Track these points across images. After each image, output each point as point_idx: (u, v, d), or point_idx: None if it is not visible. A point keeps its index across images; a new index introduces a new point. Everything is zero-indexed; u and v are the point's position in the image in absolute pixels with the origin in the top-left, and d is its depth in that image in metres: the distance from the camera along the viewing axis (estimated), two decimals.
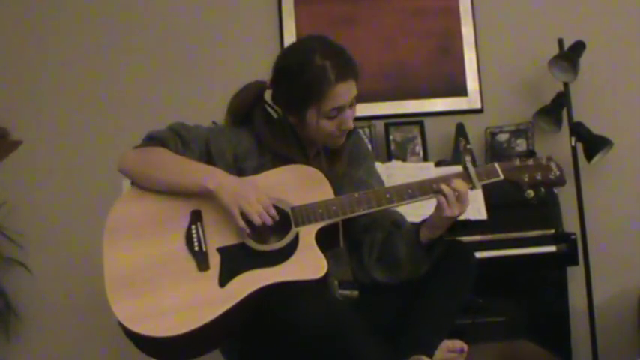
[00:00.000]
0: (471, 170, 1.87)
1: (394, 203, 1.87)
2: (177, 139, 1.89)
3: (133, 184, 1.91)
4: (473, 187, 1.87)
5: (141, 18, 3.38)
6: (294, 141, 1.97)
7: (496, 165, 1.90)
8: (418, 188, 1.87)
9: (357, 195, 1.85)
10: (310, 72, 1.86)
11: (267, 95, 2.02)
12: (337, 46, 1.93)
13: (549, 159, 1.94)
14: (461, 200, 1.84)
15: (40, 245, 3.25)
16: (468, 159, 1.99)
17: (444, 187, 1.84)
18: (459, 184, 1.84)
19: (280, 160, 1.93)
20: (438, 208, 1.85)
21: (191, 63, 3.35)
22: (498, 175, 1.89)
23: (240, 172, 1.91)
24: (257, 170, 1.91)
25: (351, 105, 1.92)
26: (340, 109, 1.89)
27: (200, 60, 3.35)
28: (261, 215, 1.77)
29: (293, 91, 1.90)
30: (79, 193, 3.27)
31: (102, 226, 1.83)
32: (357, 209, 1.84)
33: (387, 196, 1.86)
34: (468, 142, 3.06)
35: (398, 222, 2.04)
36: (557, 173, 1.92)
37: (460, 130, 3.10)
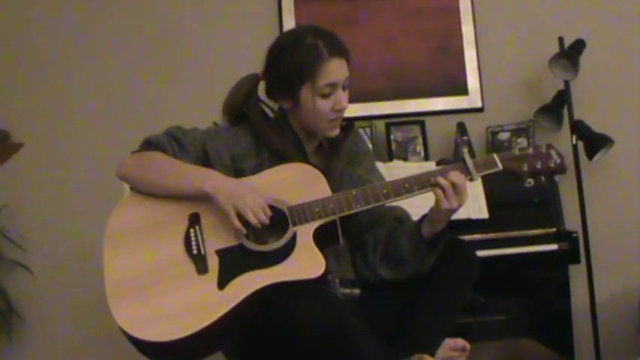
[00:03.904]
0: (469, 161, 1.85)
1: (391, 198, 1.86)
2: (173, 143, 1.90)
3: (132, 189, 1.91)
4: (471, 179, 1.85)
5: (140, 19, 3.38)
6: (291, 136, 1.97)
7: (494, 155, 1.88)
8: (415, 182, 1.86)
9: (353, 192, 1.85)
10: (303, 49, 1.89)
11: (262, 95, 2.02)
12: (327, 30, 1.96)
13: (549, 146, 1.91)
14: (458, 192, 1.82)
15: (42, 247, 3.25)
16: (465, 150, 1.96)
17: (440, 179, 1.83)
18: (456, 177, 1.82)
19: (278, 158, 1.93)
20: (437, 201, 1.84)
21: (191, 63, 3.35)
22: (497, 166, 1.87)
23: (238, 172, 1.91)
24: (255, 170, 1.91)
25: (344, 88, 1.93)
26: (334, 87, 1.90)
27: (200, 60, 3.35)
28: (257, 215, 1.77)
29: (287, 70, 1.91)
30: (80, 195, 3.28)
31: (103, 227, 1.83)
32: (355, 206, 1.83)
33: (384, 191, 1.85)
34: (469, 140, 3.06)
35: (400, 218, 2.03)
36: (558, 160, 1.89)
37: (461, 129, 3.10)
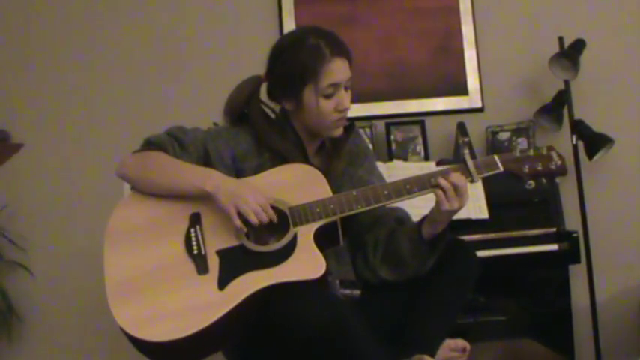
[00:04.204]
0: (470, 163, 1.86)
1: (392, 199, 1.86)
2: (174, 142, 1.90)
3: (132, 188, 1.91)
4: (472, 181, 1.86)
5: (140, 21, 3.38)
6: (292, 137, 1.97)
7: (495, 157, 1.89)
8: (416, 184, 1.86)
9: (354, 193, 1.85)
10: (305, 50, 1.90)
11: (263, 96, 2.02)
12: (329, 30, 1.97)
13: (550, 149, 1.92)
14: (459, 194, 1.82)
15: (42, 248, 3.25)
16: (466, 152, 1.96)
17: (441, 181, 1.83)
18: (457, 178, 1.83)
19: (279, 159, 1.93)
20: (437, 202, 1.84)
21: (191, 64, 3.35)
22: (498, 167, 1.87)
23: (239, 172, 1.91)
24: (256, 170, 1.91)
25: (347, 88, 1.94)
26: (336, 87, 1.90)
27: (200, 61, 3.35)
28: (257, 214, 1.77)
29: (289, 72, 1.91)
30: (80, 196, 3.28)
31: (103, 228, 1.84)
32: (355, 207, 1.84)
33: (385, 192, 1.85)
34: (469, 142, 3.06)
35: (401, 218, 2.03)
36: (558, 162, 1.90)
37: (461, 129, 3.10)
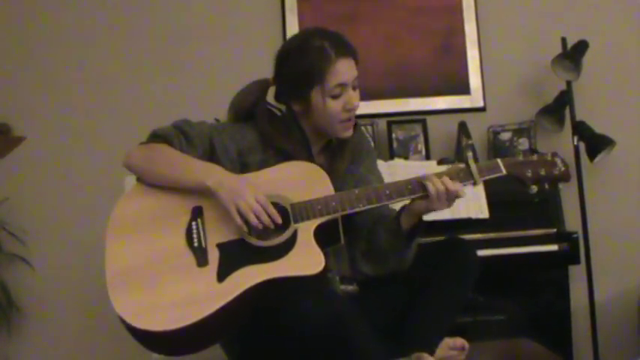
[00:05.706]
0: (472, 166, 1.87)
1: (394, 199, 1.87)
2: (181, 136, 1.91)
3: (138, 180, 1.92)
4: (474, 183, 1.87)
5: (143, 16, 3.38)
6: (298, 136, 1.98)
7: (498, 160, 1.89)
8: (417, 184, 1.87)
9: (356, 191, 1.86)
10: (310, 52, 1.90)
11: (270, 96, 2.03)
12: (333, 31, 1.98)
13: (554, 154, 1.92)
14: (450, 199, 1.84)
15: (42, 241, 3.26)
16: (469, 155, 1.97)
17: (438, 183, 1.83)
18: (452, 185, 1.83)
19: (283, 156, 1.94)
20: (428, 200, 1.85)
21: (193, 60, 3.35)
22: (500, 171, 1.88)
23: (244, 166, 1.92)
24: (260, 165, 1.92)
25: (354, 87, 1.94)
26: (343, 87, 1.91)
27: (203, 57, 3.35)
28: (257, 214, 1.77)
29: (296, 74, 1.92)
30: (81, 189, 3.28)
31: (103, 221, 1.84)
32: (357, 205, 1.84)
33: (387, 192, 1.86)
34: (470, 139, 3.06)
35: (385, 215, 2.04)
36: (562, 169, 1.90)
37: (462, 129, 3.10)
